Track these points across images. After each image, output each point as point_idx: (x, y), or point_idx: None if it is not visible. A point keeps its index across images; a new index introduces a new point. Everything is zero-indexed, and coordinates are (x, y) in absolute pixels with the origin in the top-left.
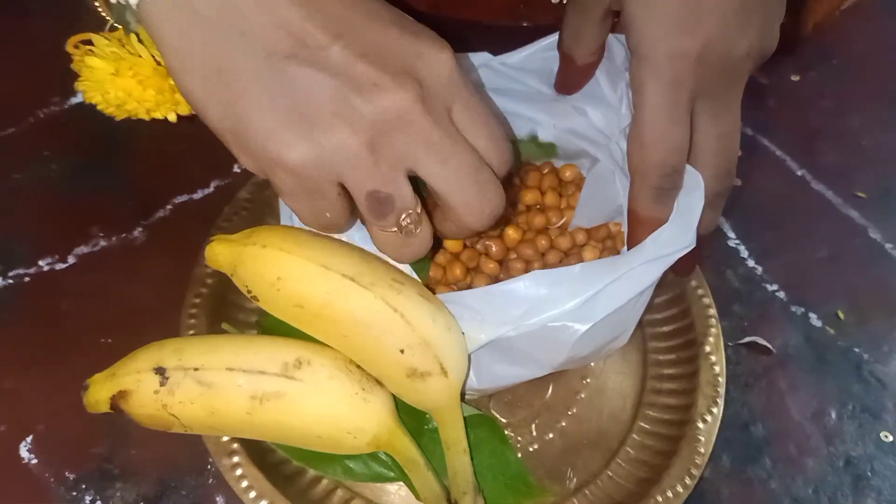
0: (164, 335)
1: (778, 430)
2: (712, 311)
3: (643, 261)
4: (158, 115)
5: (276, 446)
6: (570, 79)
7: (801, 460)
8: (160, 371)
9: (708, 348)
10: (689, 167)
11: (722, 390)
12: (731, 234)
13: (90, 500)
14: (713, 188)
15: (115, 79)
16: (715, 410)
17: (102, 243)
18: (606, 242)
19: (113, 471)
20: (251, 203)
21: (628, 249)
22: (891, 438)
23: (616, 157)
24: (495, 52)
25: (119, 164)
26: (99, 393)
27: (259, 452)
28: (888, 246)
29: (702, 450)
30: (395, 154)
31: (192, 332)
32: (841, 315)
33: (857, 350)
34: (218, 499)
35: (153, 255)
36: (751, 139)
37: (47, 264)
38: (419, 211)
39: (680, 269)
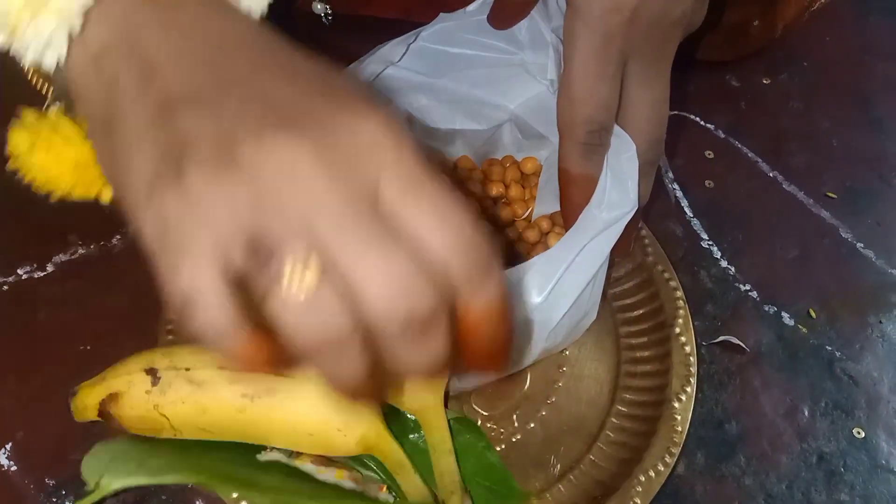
0: (143, 343)
1: (751, 428)
2: (679, 294)
3: (592, 235)
4: (84, 195)
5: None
6: (505, 12)
7: (775, 457)
8: (152, 371)
9: (678, 329)
10: (619, 130)
11: (694, 369)
12: (704, 235)
13: None
14: (644, 156)
15: (31, 154)
16: (689, 389)
17: (81, 251)
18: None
19: None
20: None
21: (562, 210)
22: (863, 434)
23: None
24: None
25: None
26: (87, 398)
27: None
28: (859, 245)
29: (679, 428)
30: (286, 214)
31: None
32: (813, 314)
33: (829, 348)
34: (197, 502)
35: (132, 264)
36: (723, 141)
37: (25, 272)
38: (313, 268)
39: (616, 250)
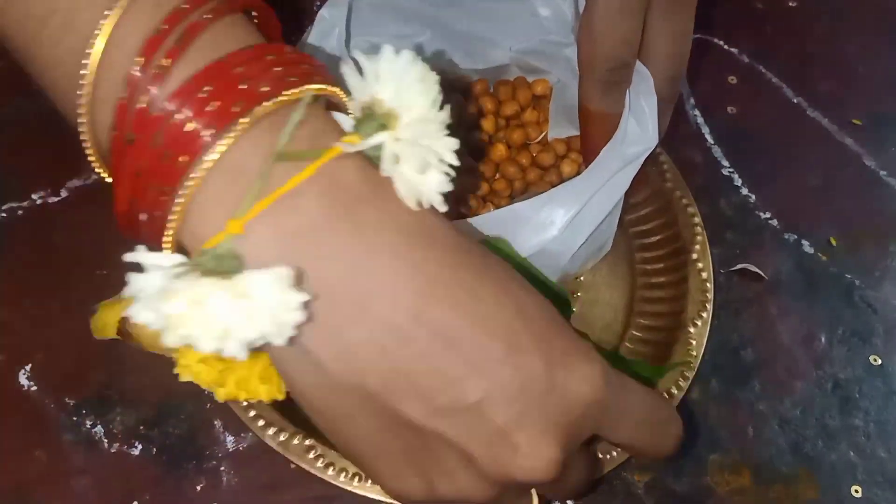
0: None
1: (767, 355)
2: (697, 220)
3: (614, 171)
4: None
5: None
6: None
7: (790, 383)
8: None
9: (695, 255)
10: (638, 65)
11: (710, 295)
12: (725, 163)
13: (91, 425)
14: (661, 92)
15: (219, 386)
16: (705, 315)
17: (95, 176)
18: None
19: (112, 396)
20: None
21: (581, 147)
22: (880, 362)
23: (573, 66)
24: None
25: None
26: (107, 316)
27: None
28: (882, 173)
29: (694, 353)
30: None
31: None
32: (833, 242)
33: (848, 276)
34: (216, 423)
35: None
36: (747, 66)
37: (40, 198)
38: None
39: None
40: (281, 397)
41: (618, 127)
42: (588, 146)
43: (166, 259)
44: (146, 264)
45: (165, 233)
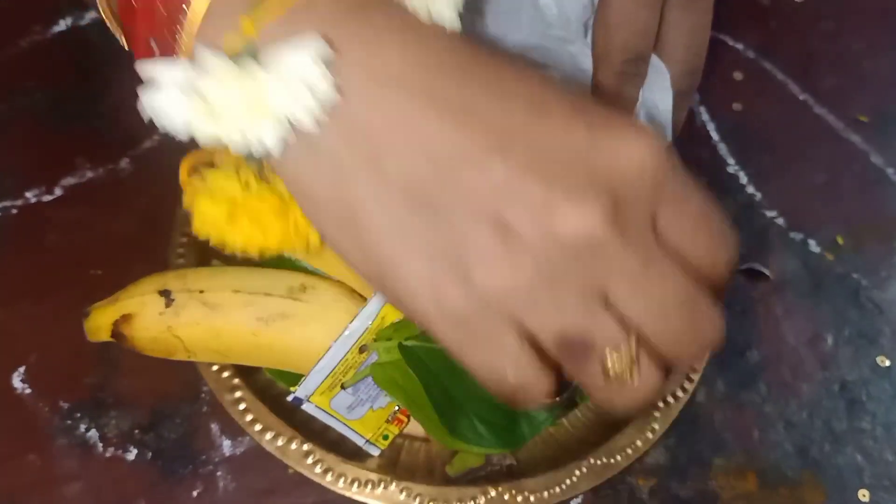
0: (154, 266)
1: (773, 356)
2: None
3: None
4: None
5: (277, 379)
6: None
7: (796, 385)
8: (165, 293)
9: None
10: (654, 58)
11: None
12: (731, 160)
13: (85, 429)
14: (678, 85)
15: (231, 225)
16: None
17: (89, 174)
18: None
19: (107, 400)
20: None
21: None
22: (887, 363)
23: (576, 62)
24: None
25: (105, 92)
26: (101, 318)
27: (260, 387)
28: (889, 171)
29: None
30: (583, 283)
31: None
32: (840, 241)
33: (854, 276)
34: (213, 426)
35: (140, 186)
36: (752, 62)
37: (34, 196)
38: (633, 345)
39: None
40: (299, 242)
41: None
42: None
43: (183, 62)
44: (160, 72)
45: (177, 44)
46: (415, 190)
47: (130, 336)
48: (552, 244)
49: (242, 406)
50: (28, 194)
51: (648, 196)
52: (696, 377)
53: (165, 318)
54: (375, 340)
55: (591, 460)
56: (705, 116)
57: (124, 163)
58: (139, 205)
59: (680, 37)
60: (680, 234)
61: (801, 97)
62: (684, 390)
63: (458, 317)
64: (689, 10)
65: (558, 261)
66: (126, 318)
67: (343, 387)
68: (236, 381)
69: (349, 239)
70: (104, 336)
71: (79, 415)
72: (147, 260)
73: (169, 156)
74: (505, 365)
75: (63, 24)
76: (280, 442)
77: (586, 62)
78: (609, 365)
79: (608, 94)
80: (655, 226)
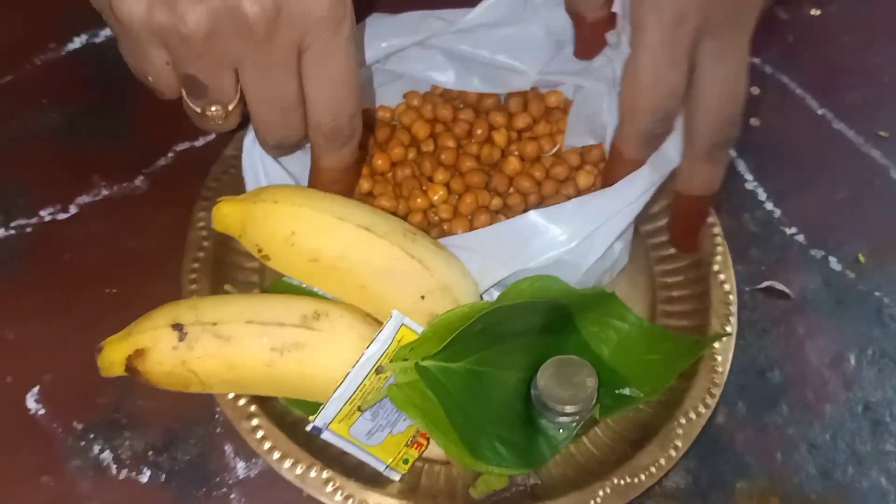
0: (168, 285)
1: (795, 376)
2: (717, 230)
3: (638, 194)
4: None
5: (293, 407)
6: (586, 39)
7: (819, 406)
8: (178, 327)
9: (716, 266)
10: None
11: (734, 308)
12: (749, 176)
13: (99, 450)
14: (712, 138)
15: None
16: (728, 328)
17: (104, 192)
18: (599, 165)
19: (121, 420)
20: (239, 160)
21: (603, 183)
22: None
23: (606, 75)
24: None
25: (119, 110)
26: (114, 354)
27: (277, 413)
28: None
29: (719, 368)
30: (225, 52)
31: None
32: (861, 258)
33: (877, 294)
34: (226, 447)
35: (155, 204)
36: (770, 77)
37: (49, 214)
38: (230, 108)
39: (682, 243)
40: None
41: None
42: (610, 184)
43: None
44: None
45: None
46: None
47: (144, 371)
48: (223, 9)
49: (260, 434)
50: (43, 213)
51: (303, 30)
52: (716, 392)
53: (179, 352)
54: (392, 361)
55: (615, 480)
56: None
57: (139, 180)
58: (154, 223)
59: (713, 86)
60: (311, 74)
61: (820, 112)
62: (706, 406)
63: (125, 21)
64: (720, 59)
65: (220, 24)
66: (139, 353)
67: (360, 409)
68: (253, 408)
69: None
70: (118, 371)
71: (93, 436)
72: (162, 278)
73: (184, 173)
74: (148, 72)
75: (78, 42)
76: (299, 470)
77: None
78: (208, 110)
79: (629, 150)
80: (301, 55)
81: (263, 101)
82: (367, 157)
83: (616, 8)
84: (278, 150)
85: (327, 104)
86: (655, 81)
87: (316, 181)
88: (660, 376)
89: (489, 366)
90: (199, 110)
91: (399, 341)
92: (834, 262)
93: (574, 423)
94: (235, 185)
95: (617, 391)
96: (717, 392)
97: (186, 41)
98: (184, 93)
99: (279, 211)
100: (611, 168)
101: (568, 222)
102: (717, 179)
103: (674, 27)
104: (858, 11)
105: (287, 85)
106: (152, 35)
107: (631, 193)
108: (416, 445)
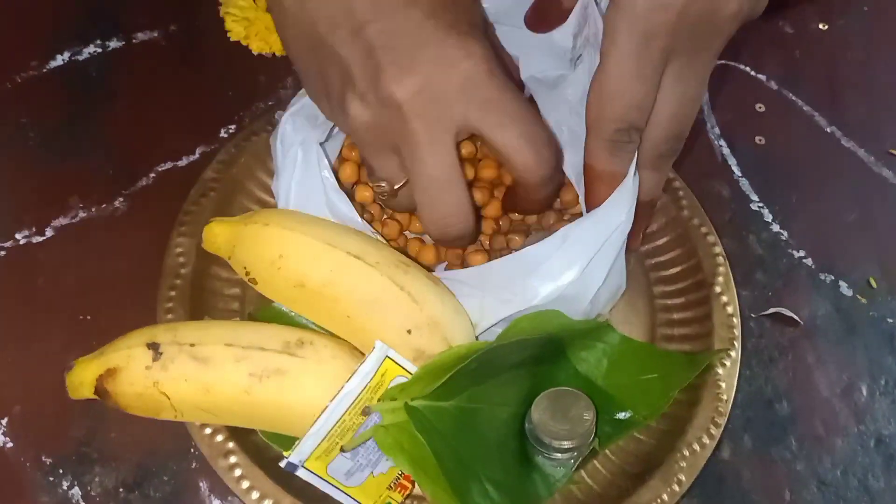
0: (145, 312)
1: (804, 408)
2: (718, 249)
3: (626, 211)
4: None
5: (273, 442)
6: (546, 14)
7: (829, 440)
8: (153, 346)
9: (718, 288)
10: None
11: (738, 331)
12: (754, 197)
13: (68, 486)
14: (658, 149)
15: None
16: (733, 354)
17: (82, 214)
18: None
19: (91, 455)
20: (219, 183)
21: (586, 205)
22: None
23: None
24: None
25: (100, 130)
26: (84, 374)
27: (256, 449)
28: None
29: (724, 396)
30: (387, 139)
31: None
32: (873, 283)
33: (890, 320)
34: (202, 484)
35: (135, 227)
36: (775, 93)
37: (24, 237)
38: (395, 189)
39: (628, 246)
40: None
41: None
42: (592, 203)
43: None
44: None
45: None
46: (323, 36)
47: (114, 392)
48: (376, 101)
49: (238, 472)
50: (18, 235)
51: (455, 99)
52: (721, 421)
53: (152, 372)
54: (379, 401)
55: None
56: (726, 150)
57: (119, 202)
58: (133, 247)
59: (668, 104)
60: (490, 130)
61: (828, 129)
62: (711, 436)
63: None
64: (681, 80)
65: (379, 113)
66: (110, 372)
67: (343, 450)
68: (230, 444)
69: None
70: (87, 392)
71: (62, 471)
72: (139, 305)
73: (166, 195)
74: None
75: (60, 59)
76: None
77: None
78: (377, 187)
79: (599, 160)
80: (467, 125)
81: (419, 180)
82: None
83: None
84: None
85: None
86: (622, 93)
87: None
88: (658, 396)
89: (481, 402)
90: (375, 189)
91: (383, 374)
92: (844, 287)
93: (572, 460)
94: (215, 209)
95: (615, 417)
96: (722, 421)
97: (360, 134)
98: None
99: (268, 233)
100: (588, 187)
101: (564, 254)
102: (660, 187)
103: (645, 44)
104: (866, 26)
105: (441, 165)
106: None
107: (620, 211)
108: (399, 489)
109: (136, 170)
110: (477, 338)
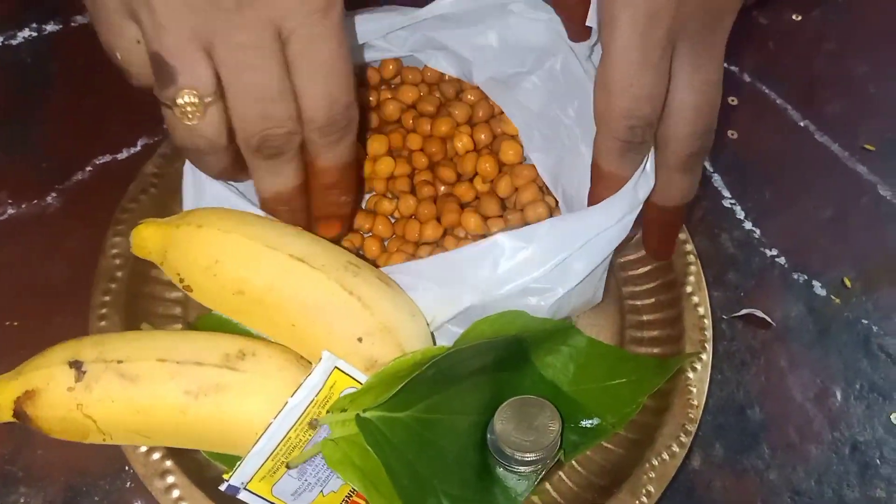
0: (78, 318)
1: (777, 414)
2: (690, 248)
3: (619, 217)
4: None
5: (216, 460)
6: (574, 20)
7: (803, 447)
8: (76, 364)
9: (689, 288)
10: None
11: (709, 333)
12: (726, 193)
13: None
14: (689, 148)
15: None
16: (704, 357)
17: (11, 211)
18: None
19: (16, 474)
20: (160, 178)
21: (589, 202)
22: None
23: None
24: None
25: (34, 120)
26: (1, 396)
27: (196, 468)
28: None
29: (694, 402)
30: (197, 26)
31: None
32: (847, 283)
33: (865, 322)
34: (136, 503)
35: (69, 225)
36: (748, 86)
37: None
38: (207, 100)
39: (655, 251)
40: None
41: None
42: (595, 202)
43: None
44: None
45: None
46: None
47: (34, 416)
48: None
49: (176, 493)
50: None
51: (288, 16)
52: (692, 429)
53: (76, 394)
54: (328, 412)
55: None
56: None
57: (51, 198)
58: (66, 247)
59: (688, 96)
60: (297, 65)
61: (802, 124)
62: (681, 444)
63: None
64: (696, 67)
65: None
66: (29, 394)
67: (288, 467)
68: (168, 463)
69: None
70: (5, 416)
71: None
72: (71, 310)
73: (103, 190)
74: (119, 47)
75: None
76: None
77: None
78: (179, 100)
79: (608, 161)
80: (287, 41)
81: (240, 91)
82: (364, 153)
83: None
84: (228, 172)
85: (319, 94)
86: (629, 84)
87: (314, 185)
88: (626, 402)
89: (439, 412)
90: (169, 104)
91: (331, 387)
92: (818, 287)
93: (535, 473)
94: (156, 207)
95: (581, 424)
96: (693, 429)
97: (150, 8)
98: (156, 91)
99: (203, 236)
100: (593, 187)
101: (539, 245)
102: (694, 188)
103: (648, 26)
104: (842, 17)
105: (266, 70)
106: (121, 4)
107: (610, 216)
108: None
109: (72, 163)
110: (433, 337)
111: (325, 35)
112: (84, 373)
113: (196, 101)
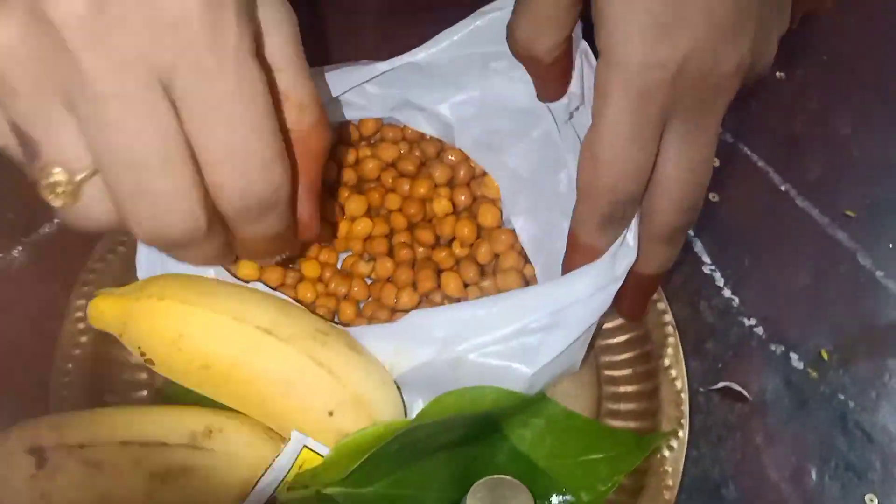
0: (41, 384)
1: (752, 493)
2: (668, 318)
3: (598, 287)
4: None
5: None
6: (547, 81)
7: None
8: (37, 452)
9: (667, 361)
10: None
11: (686, 409)
12: (706, 259)
13: None
14: (672, 222)
15: None
16: (681, 434)
17: None
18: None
19: None
20: (128, 236)
21: (562, 273)
22: (876, 502)
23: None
24: None
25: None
26: None
27: None
28: (879, 273)
29: (669, 482)
30: (46, 80)
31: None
32: (825, 355)
33: (841, 397)
34: None
35: (34, 283)
36: (730, 147)
37: None
38: (80, 177)
39: (630, 313)
40: None
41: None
42: (568, 270)
43: None
44: None
45: None
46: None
47: None
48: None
49: None
50: None
51: (168, 41)
52: (672, 491)
53: (38, 483)
54: (290, 490)
55: None
56: None
57: (17, 252)
58: (30, 306)
59: (676, 171)
60: (189, 113)
61: (783, 188)
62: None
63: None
64: (687, 143)
65: (28, 42)
66: None
67: None
68: None
69: None
70: None
71: None
72: (32, 376)
73: (73, 244)
74: None
75: None
76: None
77: None
78: (48, 180)
79: (586, 233)
80: (169, 86)
81: (108, 161)
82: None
83: (574, 87)
84: (170, 247)
85: (223, 157)
86: (616, 159)
87: (241, 252)
88: (602, 480)
89: (406, 488)
90: (39, 181)
91: (300, 467)
92: (795, 359)
93: None
94: (124, 267)
95: (554, 501)
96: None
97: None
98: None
99: (165, 309)
100: (567, 254)
101: (502, 308)
102: (673, 258)
103: (641, 104)
104: (826, 76)
105: (138, 127)
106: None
107: (580, 288)
108: None
109: (39, 214)
110: (405, 405)
111: (216, 70)
112: (46, 460)
113: (64, 178)
